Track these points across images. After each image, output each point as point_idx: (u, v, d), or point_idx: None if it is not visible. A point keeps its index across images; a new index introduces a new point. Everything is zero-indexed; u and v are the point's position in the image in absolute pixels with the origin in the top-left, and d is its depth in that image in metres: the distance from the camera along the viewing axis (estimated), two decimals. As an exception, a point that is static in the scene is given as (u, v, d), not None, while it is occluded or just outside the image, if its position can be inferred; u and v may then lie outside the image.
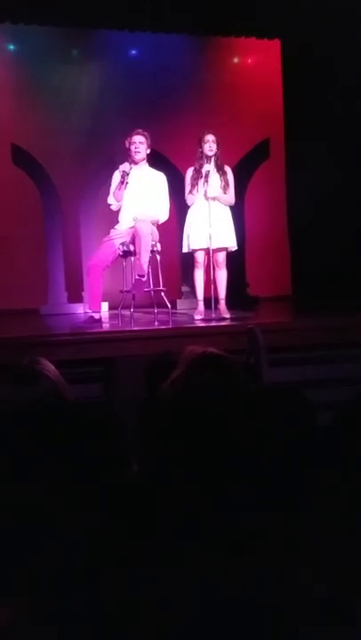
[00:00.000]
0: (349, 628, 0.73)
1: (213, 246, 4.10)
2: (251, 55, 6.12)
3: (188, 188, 4.21)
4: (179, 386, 1.32)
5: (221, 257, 4.21)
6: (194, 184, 4.16)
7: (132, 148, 4.13)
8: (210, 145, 4.14)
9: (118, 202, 4.17)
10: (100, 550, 0.75)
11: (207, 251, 4.14)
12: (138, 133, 4.13)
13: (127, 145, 4.18)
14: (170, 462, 0.84)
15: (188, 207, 4.26)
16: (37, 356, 1.39)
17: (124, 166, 4.10)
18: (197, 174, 4.16)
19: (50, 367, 1.35)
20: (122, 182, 4.06)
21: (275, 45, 5.81)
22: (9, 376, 1.31)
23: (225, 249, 4.22)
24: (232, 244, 4.25)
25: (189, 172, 4.22)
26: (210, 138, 4.15)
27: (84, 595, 0.72)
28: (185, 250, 4.32)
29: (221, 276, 4.22)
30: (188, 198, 4.22)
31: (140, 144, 4.12)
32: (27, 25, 4.94)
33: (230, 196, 4.23)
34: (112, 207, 4.26)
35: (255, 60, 6.13)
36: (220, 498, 0.81)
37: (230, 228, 4.23)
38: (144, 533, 0.77)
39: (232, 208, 4.30)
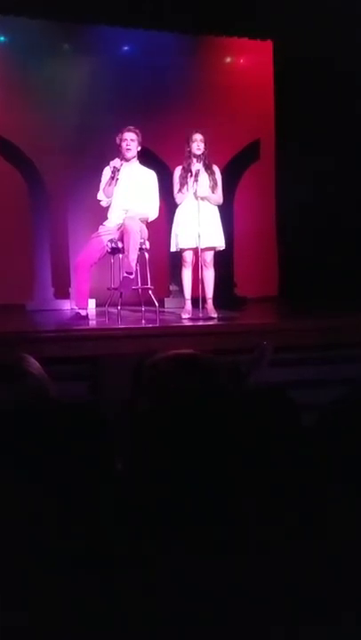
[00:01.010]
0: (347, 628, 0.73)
1: (202, 246, 4.10)
2: (243, 56, 6.13)
3: (176, 186, 4.21)
4: (159, 385, 1.31)
5: (209, 256, 4.22)
6: (183, 183, 4.16)
7: (124, 144, 4.12)
8: (198, 144, 4.14)
9: (108, 198, 4.15)
10: (85, 550, 0.74)
11: (195, 250, 4.14)
12: (129, 130, 4.12)
13: (118, 142, 4.16)
14: (155, 462, 0.84)
15: (177, 206, 4.26)
16: (22, 353, 1.37)
17: (115, 162, 4.08)
18: (186, 173, 4.16)
19: (35, 364, 1.34)
20: (112, 178, 4.05)
21: (267, 46, 5.82)
22: None
23: (213, 248, 4.23)
24: (220, 244, 4.25)
25: (177, 171, 4.22)
26: (198, 137, 4.15)
27: (72, 594, 0.71)
28: (173, 249, 4.31)
29: (209, 276, 4.22)
30: (178, 197, 4.22)
31: (131, 141, 4.11)
32: (17, 17, 4.90)
33: (219, 196, 4.24)
34: (102, 203, 4.24)
35: (247, 61, 6.13)
36: (206, 498, 0.81)
37: (218, 227, 4.23)
38: (130, 533, 0.77)
39: (220, 208, 4.30)
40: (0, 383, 1.27)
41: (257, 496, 0.83)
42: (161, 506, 0.79)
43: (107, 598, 0.71)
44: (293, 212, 5.36)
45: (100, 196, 4.21)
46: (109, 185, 4.08)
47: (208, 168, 4.19)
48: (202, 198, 4.12)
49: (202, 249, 4.12)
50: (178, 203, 4.23)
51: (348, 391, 0.92)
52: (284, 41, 5.52)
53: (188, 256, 4.21)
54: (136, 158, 4.22)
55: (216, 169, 4.26)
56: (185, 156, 4.19)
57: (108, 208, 4.23)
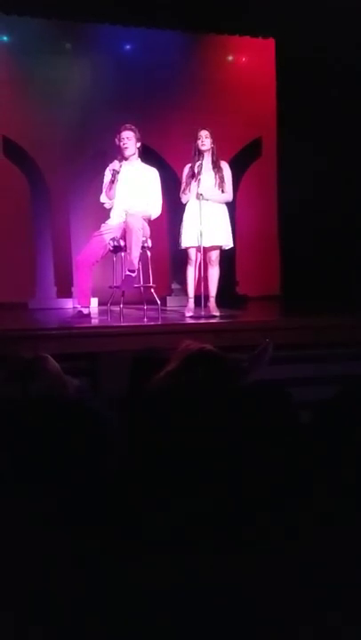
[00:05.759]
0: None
1: (207, 244, 4.09)
2: (245, 54, 6.12)
3: (182, 186, 4.20)
4: (173, 379, 1.32)
5: (215, 255, 4.20)
6: (188, 182, 4.15)
7: (122, 144, 4.13)
8: (202, 140, 4.13)
9: (110, 200, 4.16)
10: (78, 548, 0.75)
11: (199, 248, 4.13)
12: (125, 129, 4.13)
13: (117, 142, 4.18)
14: (156, 456, 0.85)
15: (183, 204, 4.25)
16: (41, 353, 1.39)
17: (114, 165, 4.10)
18: (192, 172, 4.15)
19: (53, 363, 1.35)
20: (112, 182, 4.06)
21: (269, 45, 5.82)
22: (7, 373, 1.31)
23: (219, 247, 4.21)
24: (226, 243, 4.22)
25: (185, 170, 4.21)
26: (203, 133, 4.14)
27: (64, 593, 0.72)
28: (180, 247, 4.31)
29: (214, 274, 4.21)
30: (182, 197, 4.21)
31: (127, 139, 4.12)
32: (19, 16, 4.92)
33: (227, 193, 4.19)
34: (105, 205, 4.25)
35: (249, 59, 6.13)
36: (207, 494, 0.82)
37: (226, 225, 4.18)
38: (129, 530, 0.77)
39: (228, 205, 4.27)
40: (17, 382, 1.28)
41: (254, 491, 0.84)
42: (159, 498, 0.80)
43: (101, 593, 0.72)
44: (295, 210, 5.35)
45: (103, 198, 4.21)
46: (110, 189, 4.09)
47: (215, 165, 4.17)
48: (203, 198, 4.11)
49: (207, 247, 4.11)
50: (183, 202, 4.22)
51: (341, 389, 0.92)
52: (285, 39, 5.51)
53: (193, 254, 4.20)
54: (137, 156, 4.22)
55: (225, 165, 4.22)
56: (193, 154, 4.18)
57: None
